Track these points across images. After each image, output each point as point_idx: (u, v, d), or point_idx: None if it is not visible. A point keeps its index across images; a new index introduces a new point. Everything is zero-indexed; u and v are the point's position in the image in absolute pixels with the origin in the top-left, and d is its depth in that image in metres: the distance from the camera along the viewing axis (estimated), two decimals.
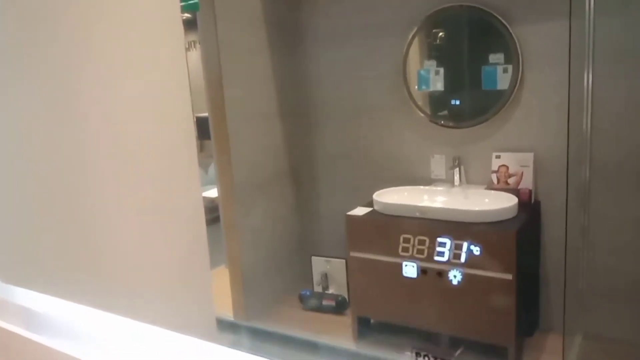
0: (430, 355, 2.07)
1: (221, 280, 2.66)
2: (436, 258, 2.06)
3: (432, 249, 2.07)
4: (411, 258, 2.10)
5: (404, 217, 2.23)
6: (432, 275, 2.07)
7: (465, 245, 2.02)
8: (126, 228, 0.84)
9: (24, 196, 0.78)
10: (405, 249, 2.14)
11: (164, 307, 0.82)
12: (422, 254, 2.10)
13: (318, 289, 2.86)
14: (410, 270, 2.10)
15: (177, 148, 0.97)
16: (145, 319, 0.64)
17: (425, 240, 2.10)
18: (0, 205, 0.78)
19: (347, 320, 2.56)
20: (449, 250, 2.04)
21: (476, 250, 2.01)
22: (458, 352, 2.01)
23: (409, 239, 2.15)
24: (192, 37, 4.51)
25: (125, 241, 0.84)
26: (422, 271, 2.08)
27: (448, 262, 2.04)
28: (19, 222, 0.77)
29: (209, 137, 2.63)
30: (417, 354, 2.09)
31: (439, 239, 2.06)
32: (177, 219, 0.93)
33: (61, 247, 0.78)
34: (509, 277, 1.97)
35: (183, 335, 0.56)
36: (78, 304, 0.67)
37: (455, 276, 2.02)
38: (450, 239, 2.04)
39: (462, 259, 2.01)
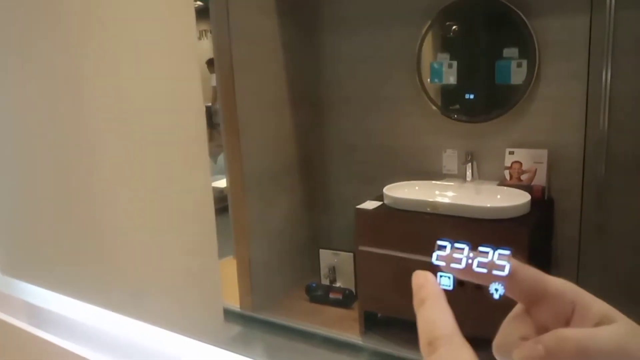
0: None
1: (228, 271, 2.65)
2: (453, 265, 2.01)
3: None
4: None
5: (415, 212, 2.20)
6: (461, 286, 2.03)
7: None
8: (135, 218, 0.82)
9: (28, 190, 0.76)
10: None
11: (172, 297, 0.81)
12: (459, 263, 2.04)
13: (325, 281, 2.85)
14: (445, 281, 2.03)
15: (188, 138, 0.95)
16: (153, 308, 0.62)
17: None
18: (5, 200, 0.76)
19: (353, 314, 2.55)
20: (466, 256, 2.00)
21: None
22: None
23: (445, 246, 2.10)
24: (204, 26, 4.47)
25: (134, 231, 0.82)
26: (459, 283, 2.02)
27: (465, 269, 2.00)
28: (23, 216, 0.76)
29: (218, 127, 2.61)
30: None
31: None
32: (187, 209, 0.91)
33: (66, 240, 0.76)
34: None
35: (188, 338, 0.54)
36: (80, 299, 0.65)
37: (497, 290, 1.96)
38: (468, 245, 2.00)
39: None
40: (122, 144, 0.83)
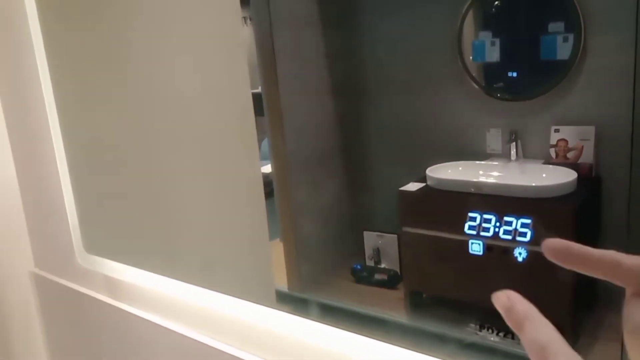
0: (494, 328, 2.06)
1: (276, 253, 2.73)
2: (502, 236, 2.01)
3: (497, 226, 2.02)
4: (477, 237, 2.06)
5: (459, 192, 2.20)
6: (495, 252, 2.02)
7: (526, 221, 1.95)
8: (195, 204, 0.89)
9: (106, 176, 0.83)
10: (471, 227, 2.10)
11: (228, 279, 0.87)
12: (488, 231, 2.05)
13: (370, 263, 2.89)
14: (475, 247, 2.04)
15: (238, 125, 1.00)
16: (213, 288, 0.68)
17: (491, 219, 2.06)
18: (86, 184, 0.83)
19: (399, 294, 2.58)
20: (513, 227, 1.98)
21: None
22: None
23: (475, 217, 2.10)
24: (244, 12, 4.52)
25: (194, 216, 0.89)
26: (488, 248, 2.03)
27: (513, 240, 1.99)
28: (102, 199, 0.83)
29: (261, 114, 2.67)
30: (481, 327, 2.08)
31: (506, 218, 2.00)
32: (239, 194, 0.97)
33: (140, 221, 0.83)
34: None
35: (251, 303, 0.60)
36: (154, 273, 0.72)
37: (520, 253, 1.97)
38: (515, 217, 1.98)
39: (527, 237, 1.95)
40: (181, 134, 0.89)
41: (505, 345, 2.05)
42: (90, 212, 0.84)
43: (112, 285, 0.78)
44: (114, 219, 0.84)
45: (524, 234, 1.98)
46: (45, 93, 0.82)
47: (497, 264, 2.06)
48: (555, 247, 0.33)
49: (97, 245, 0.83)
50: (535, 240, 1.98)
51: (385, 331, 2.48)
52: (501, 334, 2.07)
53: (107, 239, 0.84)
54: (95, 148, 0.84)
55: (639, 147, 2.09)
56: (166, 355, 0.70)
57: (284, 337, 0.61)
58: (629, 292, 0.34)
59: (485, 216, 2.05)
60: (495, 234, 2.03)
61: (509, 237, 2.01)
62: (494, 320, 2.13)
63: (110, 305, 0.76)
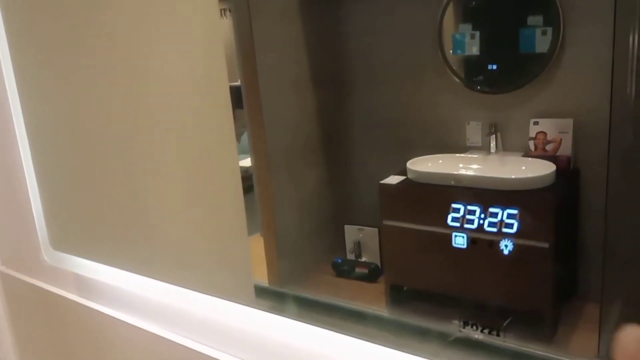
0: (478, 324, 2.06)
1: (256, 248, 2.71)
2: (487, 228, 2.00)
3: (479, 218, 2.02)
4: (460, 229, 2.06)
5: (439, 185, 2.21)
6: (475, 244, 2.03)
7: (505, 213, 1.97)
8: (169, 198, 0.86)
9: (74, 168, 0.80)
10: (455, 219, 2.09)
11: (205, 274, 0.85)
12: (472, 223, 2.05)
13: (351, 257, 2.88)
14: (459, 240, 2.04)
15: (215, 118, 0.97)
16: (188, 285, 0.66)
17: (474, 210, 2.06)
18: (52, 177, 0.80)
19: (379, 288, 2.58)
20: (482, 218, 2.00)
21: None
22: (506, 322, 1.99)
23: (459, 209, 2.10)
24: (223, 4, 4.46)
25: (169, 211, 0.86)
26: (472, 241, 2.03)
27: (498, 232, 1.99)
28: (70, 193, 0.80)
29: (241, 107, 2.64)
30: (465, 323, 2.08)
31: (491, 209, 1.99)
32: (217, 188, 0.94)
33: (110, 216, 0.80)
34: (545, 245, 1.94)
35: (226, 301, 0.58)
36: (125, 270, 0.69)
37: (506, 246, 1.97)
38: (501, 208, 1.98)
39: (504, 229, 1.96)
40: (155, 127, 0.86)
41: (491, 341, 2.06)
42: (57, 206, 0.80)
43: (81, 284, 0.75)
44: (83, 214, 0.81)
45: (510, 225, 1.98)
46: (7, 80, 0.78)
47: (481, 256, 2.07)
48: None
49: (65, 241, 0.80)
50: (519, 233, 1.99)
51: (365, 325, 2.48)
52: (485, 331, 2.08)
53: (75, 234, 0.81)
54: (62, 138, 0.81)
55: (616, 140, 2.12)
56: (140, 356, 0.67)
57: (263, 335, 0.59)
58: None
59: (470, 207, 2.05)
60: (480, 226, 2.03)
61: (494, 229, 2.00)
62: (477, 316, 2.14)
63: (79, 304, 0.73)
